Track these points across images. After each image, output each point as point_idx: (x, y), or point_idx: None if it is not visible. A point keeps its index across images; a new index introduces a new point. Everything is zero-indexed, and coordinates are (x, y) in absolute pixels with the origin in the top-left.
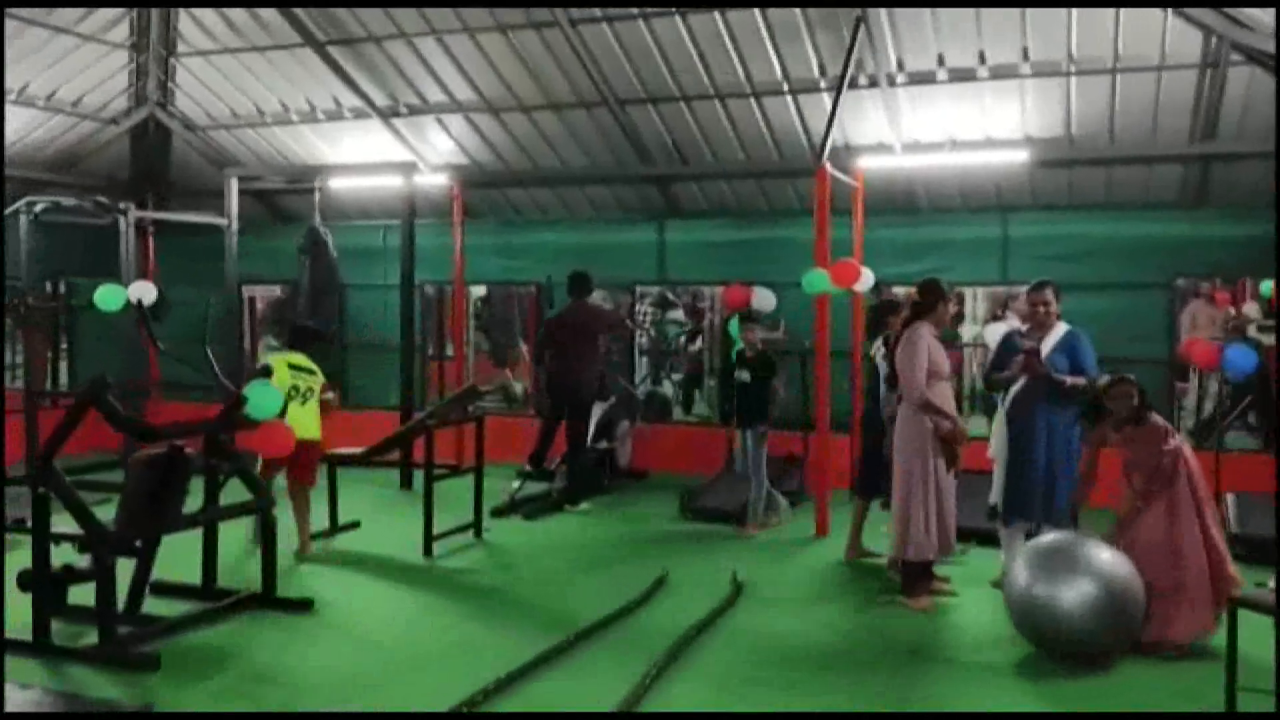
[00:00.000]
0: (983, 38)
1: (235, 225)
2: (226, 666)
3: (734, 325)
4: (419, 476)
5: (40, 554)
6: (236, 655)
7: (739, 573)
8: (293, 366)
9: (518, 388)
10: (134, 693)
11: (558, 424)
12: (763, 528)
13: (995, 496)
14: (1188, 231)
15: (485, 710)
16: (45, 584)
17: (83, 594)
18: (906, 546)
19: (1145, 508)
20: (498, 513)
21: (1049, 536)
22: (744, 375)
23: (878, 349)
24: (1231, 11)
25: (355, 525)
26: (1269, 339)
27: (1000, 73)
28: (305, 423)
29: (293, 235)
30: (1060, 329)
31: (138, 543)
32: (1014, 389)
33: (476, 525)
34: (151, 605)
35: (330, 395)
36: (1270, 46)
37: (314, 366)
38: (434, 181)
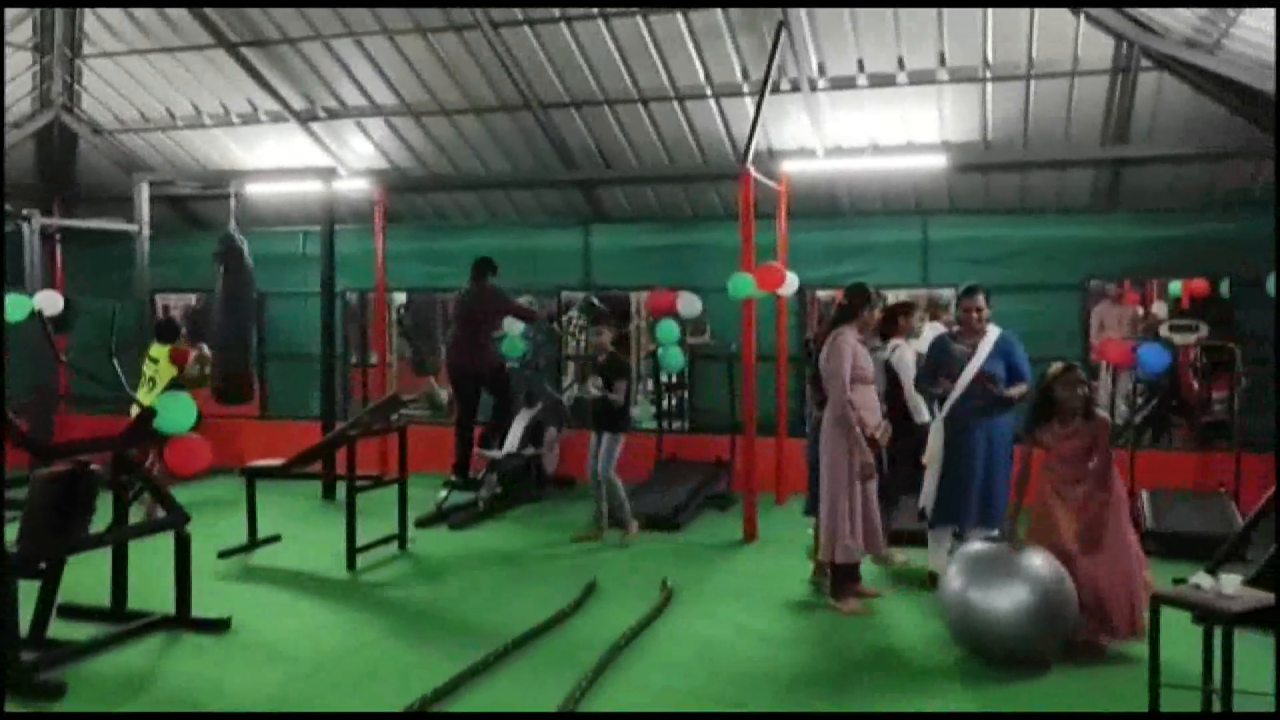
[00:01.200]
0: (901, 43)
1: (146, 231)
2: (139, 692)
3: (662, 329)
4: (342, 488)
5: None
6: (150, 680)
7: (669, 579)
8: (148, 357)
9: (443, 395)
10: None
11: (472, 429)
12: (592, 536)
13: (925, 500)
14: (1100, 234)
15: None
16: None
17: None
18: (834, 548)
19: (1066, 504)
20: (422, 523)
21: (981, 544)
22: (592, 385)
23: (892, 348)
24: (1141, 15)
25: (276, 539)
26: (1181, 338)
27: (919, 78)
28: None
29: (208, 242)
30: (993, 333)
31: (41, 564)
32: (951, 397)
33: (401, 537)
34: (58, 629)
35: (194, 358)
36: (1178, 52)
37: (159, 354)
38: (355, 186)
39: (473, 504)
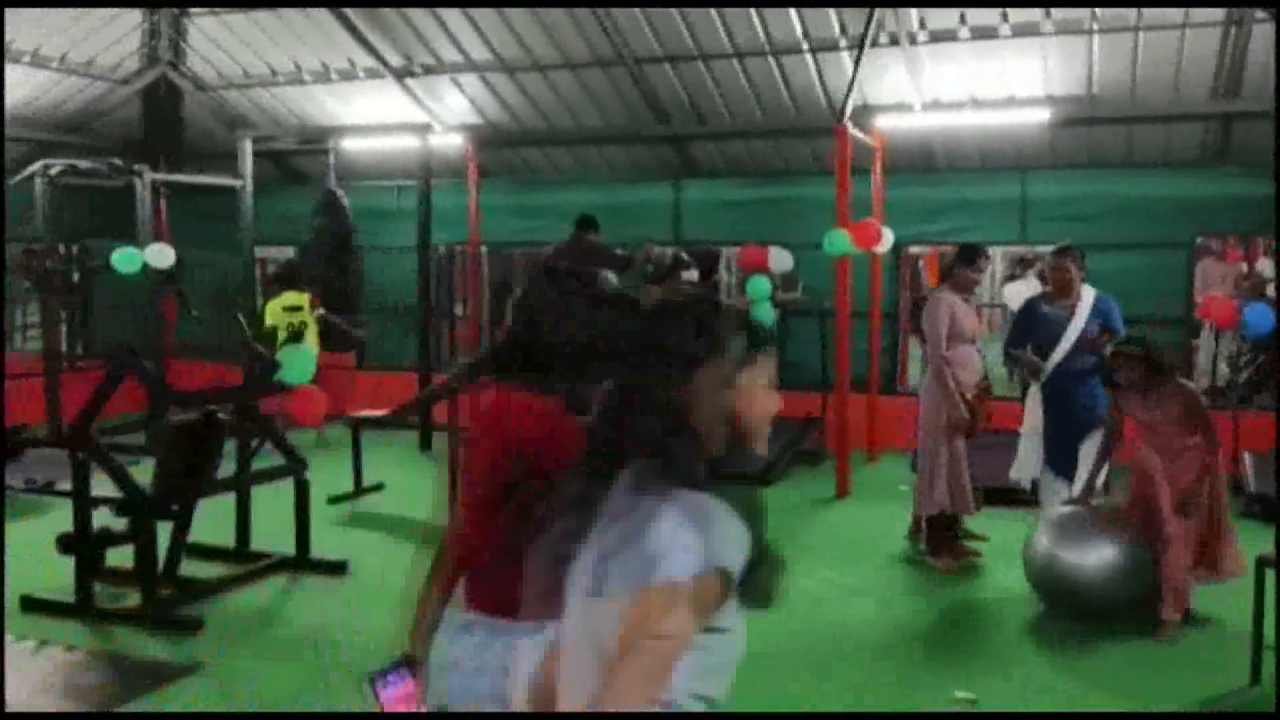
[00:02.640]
0: None
1: (250, 186)
2: (268, 627)
3: (753, 285)
4: (436, 438)
5: (82, 518)
6: (277, 616)
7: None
8: (285, 308)
9: None
10: (179, 653)
11: None
12: None
13: (1018, 472)
14: (1208, 190)
15: None
16: (87, 547)
17: (117, 556)
18: (925, 503)
19: (1165, 471)
20: None
21: (1066, 505)
22: None
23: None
24: None
25: (379, 487)
26: None
27: (1022, 30)
28: None
29: (304, 196)
30: (1089, 295)
31: (174, 506)
32: (1051, 361)
33: None
34: (186, 568)
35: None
36: None
37: (301, 301)
38: (448, 142)
39: None
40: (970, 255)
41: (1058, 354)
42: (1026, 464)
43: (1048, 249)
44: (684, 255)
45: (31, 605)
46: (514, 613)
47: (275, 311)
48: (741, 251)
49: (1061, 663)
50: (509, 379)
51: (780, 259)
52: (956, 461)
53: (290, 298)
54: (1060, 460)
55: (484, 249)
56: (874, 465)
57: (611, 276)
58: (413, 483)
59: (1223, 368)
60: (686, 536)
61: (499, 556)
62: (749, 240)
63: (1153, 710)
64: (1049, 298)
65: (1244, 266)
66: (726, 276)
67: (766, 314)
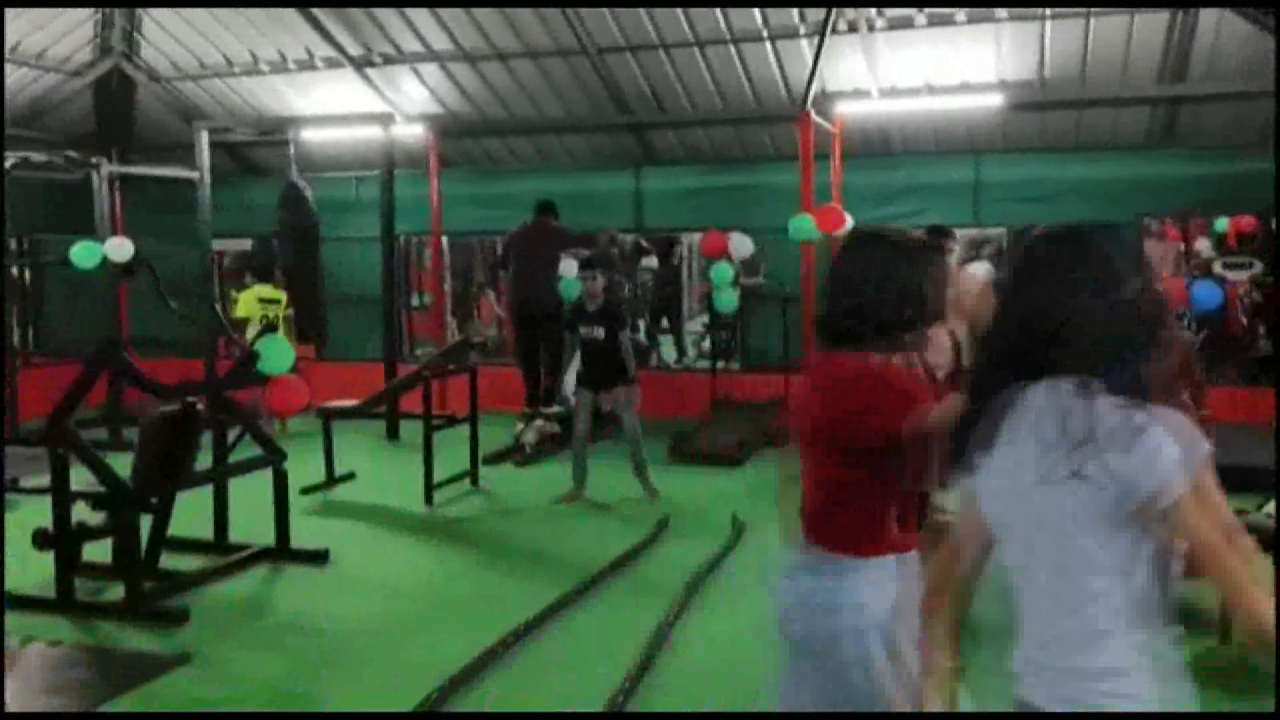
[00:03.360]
0: None
1: (207, 179)
2: (254, 617)
3: (717, 271)
4: (404, 427)
5: (61, 513)
6: (262, 606)
7: (737, 514)
8: (261, 300)
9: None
10: (167, 644)
11: (537, 361)
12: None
13: None
14: (1153, 172)
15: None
16: (68, 542)
17: (91, 551)
18: None
19: None
20: (490, 460)
21: None
22: (595, 331)
23: None
24: None
25: (351, 476)
26: (1234, 275)
27: (977, 17)
28: None
29: (261, 188)
30: None
31: (153, 499)
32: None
33: (473, 474)
34: (165, 561)
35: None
36: None
37: (279, 295)
38: (409, 131)
39: (537, 442)
40: (938, 236)
41: None
42: None
43: (1000, 231)
44: (643, 242)
45: (13, 602)
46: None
47: (249, 303)
48: (703, 238)
49: None
50: (842, 344)
51: (741, 245)
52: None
53: (266, 290)
54: None
55: (445, 239)
56: None
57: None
58: (383, 472)
59: None
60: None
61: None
62: (710, 227)
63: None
64: None
65: (1180, 245)
66: (687, 259)
67: (729, 299)
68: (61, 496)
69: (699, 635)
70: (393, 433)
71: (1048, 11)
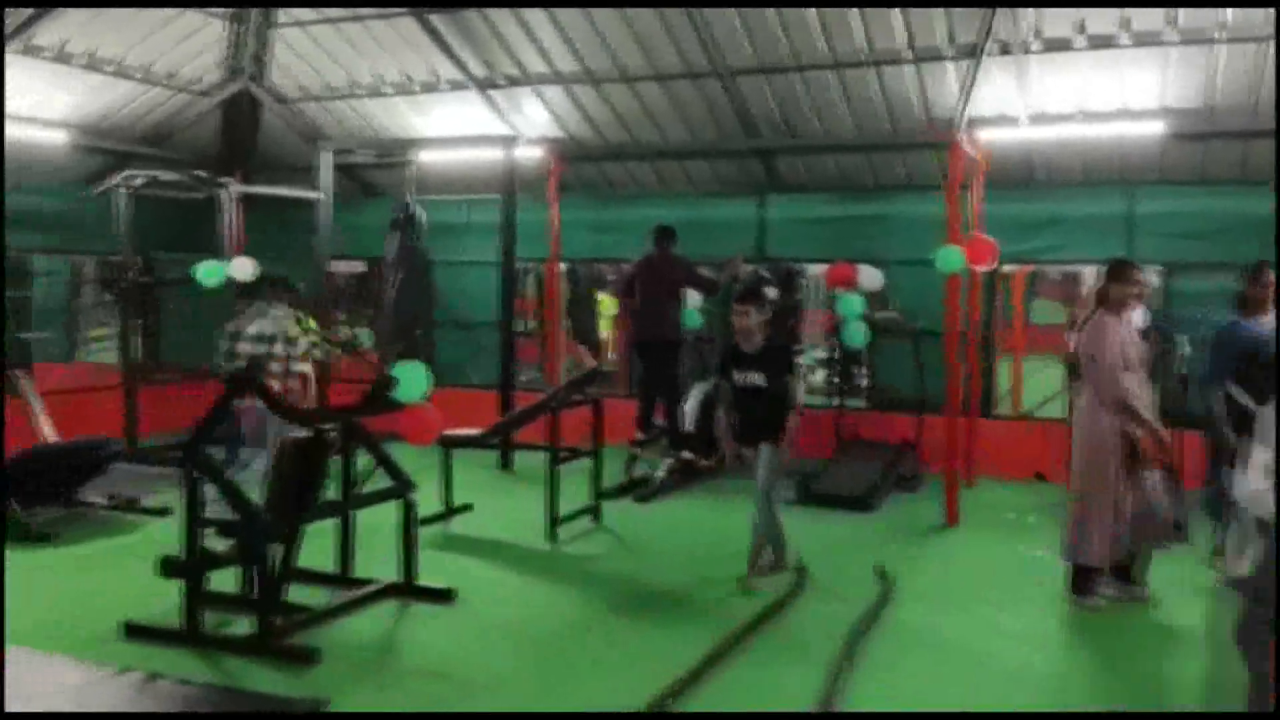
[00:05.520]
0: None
1: (329, 199)
2: (387, 659)
3: (845, 303)
4: (517, 457)
5: (192, 540)
6: (391, 648)
7: (882, 565)
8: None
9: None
10: (300, 687)
11: (654, 392)
12: (762, 575)
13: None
14: None
15: (677, 710)
16: (197, 571)
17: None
18: (1075, 549)
19: None
20: (607, 495)
21: None
22: (752, 378)
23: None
24: None
25: (468, 508)
26: None
27: (1144, 39)
28: None
29: (373, 209)
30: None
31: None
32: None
33: (596, 509)
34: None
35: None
36: None
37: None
38: (528, 155)
39: (652, 479)
40: (1121, 270)
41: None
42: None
43: (1156, 267)
44: (764, 272)
45: (136, 632)
46: None
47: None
48: (830, 269)
49: None
50: None
51: (870, 277)
52: (1118, 508)
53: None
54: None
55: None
56: (973, 490)
57: None
58: (500, 504)
59: None
60: None
61: None
62: (835, 257)
63: None
64: (1244, 314)
65: None
66: (808, 292)
67: (858, 333)
68: (194, 523)
69: (867, 703)
70: (505, 463)
71: (1224, 34)
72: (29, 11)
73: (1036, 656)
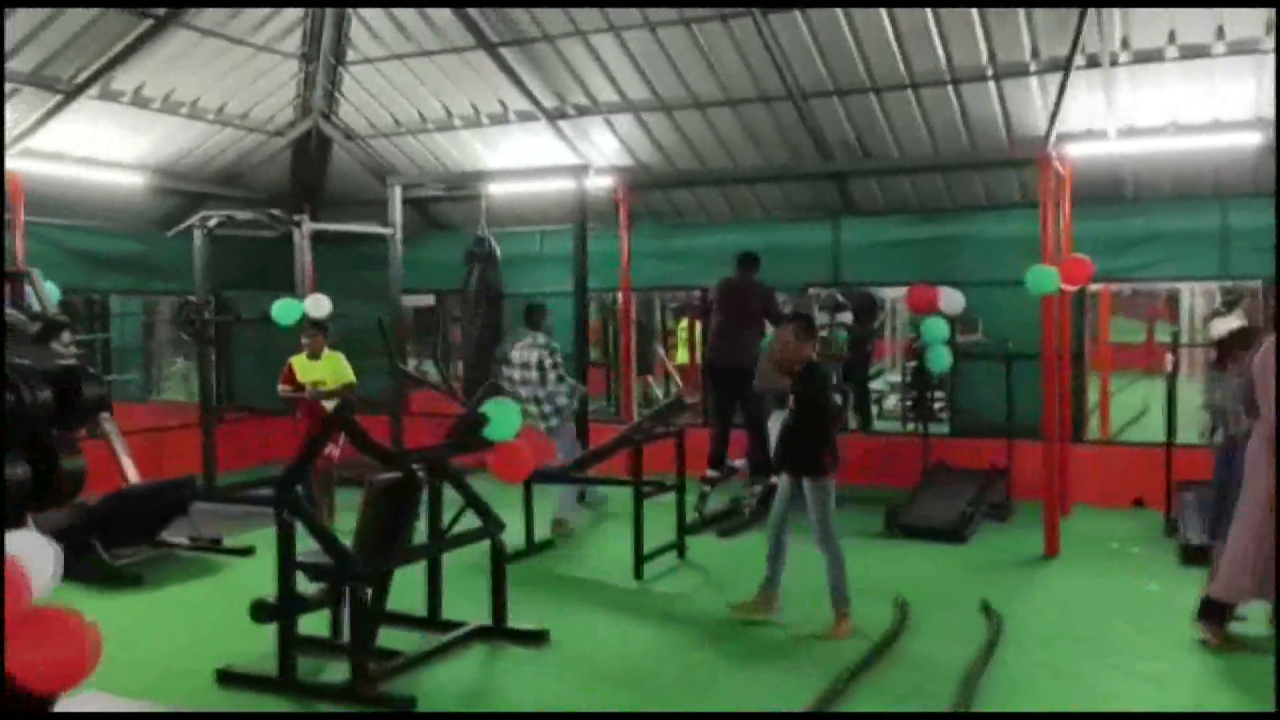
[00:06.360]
0: (1221, 10)
1: (399, 234)
2: (481, 707)
3: (929, 327)
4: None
5: (287, 583)
6: (487, 694)
7: (988, 602)
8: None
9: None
10: None
11: (729, 422)
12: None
13: None
14: None
15: None
16: (291, 615)
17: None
18: (1227, 586)
19: None
20: (689, 530)
21: None
22: (791, 406)
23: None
24: None
25: (551, 544)
26: None
27: (1239, 48)
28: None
29: (443, 243)
30: None
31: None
32: None
33: (680, 545)
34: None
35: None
36: None
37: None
38: (597, 184)
39: (737, 511)
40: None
41: None
42: None
43: (1253, 283)
44: (839, 297)
45: (230, 679)
46: None
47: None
48: (910, 292)
49: None
50: None
51: (952, 300)
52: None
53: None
54: None
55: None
56: (1068, 519)
57: None
58: (580, 539)
59: None
60: None
61: None
62: (912, 280)
63: None
64: None
65: None
66: (881, 317)
67: (942, 358)
68: (287, 566)
69: None
70: (580, 495)
71: None
72: (106, 57)
73: (1172, 699)
